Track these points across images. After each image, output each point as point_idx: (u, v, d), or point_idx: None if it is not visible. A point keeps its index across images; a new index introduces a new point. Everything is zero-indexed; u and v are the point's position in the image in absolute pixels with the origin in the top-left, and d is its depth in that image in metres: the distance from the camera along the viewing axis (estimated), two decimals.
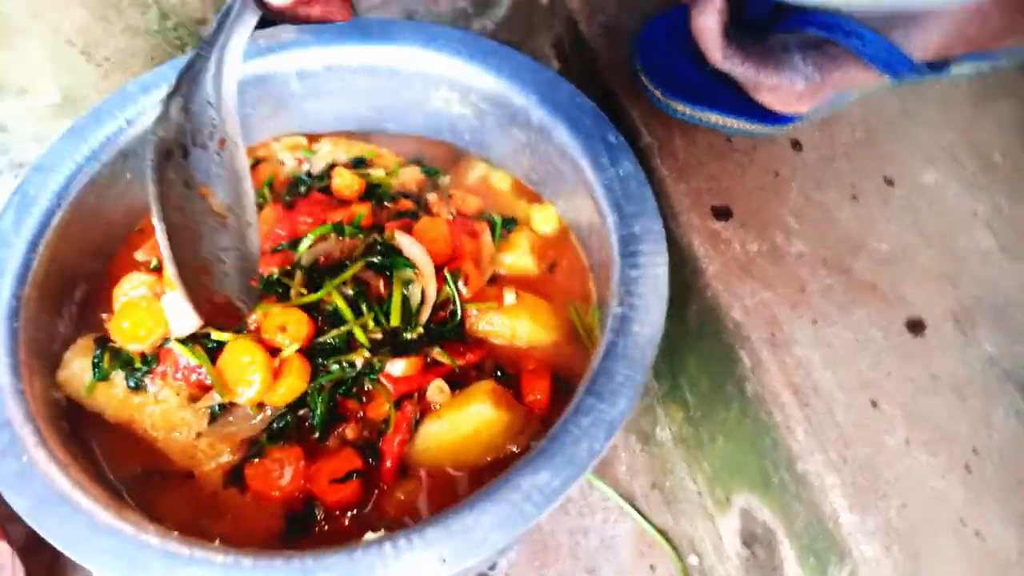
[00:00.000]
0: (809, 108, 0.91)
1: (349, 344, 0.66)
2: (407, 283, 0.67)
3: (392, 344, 0.67)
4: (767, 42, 0.89)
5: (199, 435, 0.65)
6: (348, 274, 0.67)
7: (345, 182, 0.75)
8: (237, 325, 0.64)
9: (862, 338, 0.80)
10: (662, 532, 0.94)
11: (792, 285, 0.82)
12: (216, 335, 0.65)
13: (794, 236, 0.86)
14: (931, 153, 0.93)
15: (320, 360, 0.66)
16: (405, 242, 0.70)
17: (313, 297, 0.67)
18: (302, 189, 0.78)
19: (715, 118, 0.91)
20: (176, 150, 0.55)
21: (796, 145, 0.93)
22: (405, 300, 0.66)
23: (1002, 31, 0.94)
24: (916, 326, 0.81)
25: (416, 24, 0.76)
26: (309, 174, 0.80)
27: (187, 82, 0.56)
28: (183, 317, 0.65)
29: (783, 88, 0.89)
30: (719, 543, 0.91)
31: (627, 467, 0.98)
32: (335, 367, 0.65)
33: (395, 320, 0.66)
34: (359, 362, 0.65)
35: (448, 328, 0.69)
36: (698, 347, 0.88)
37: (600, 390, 0.55)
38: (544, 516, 0.50)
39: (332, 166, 0.79)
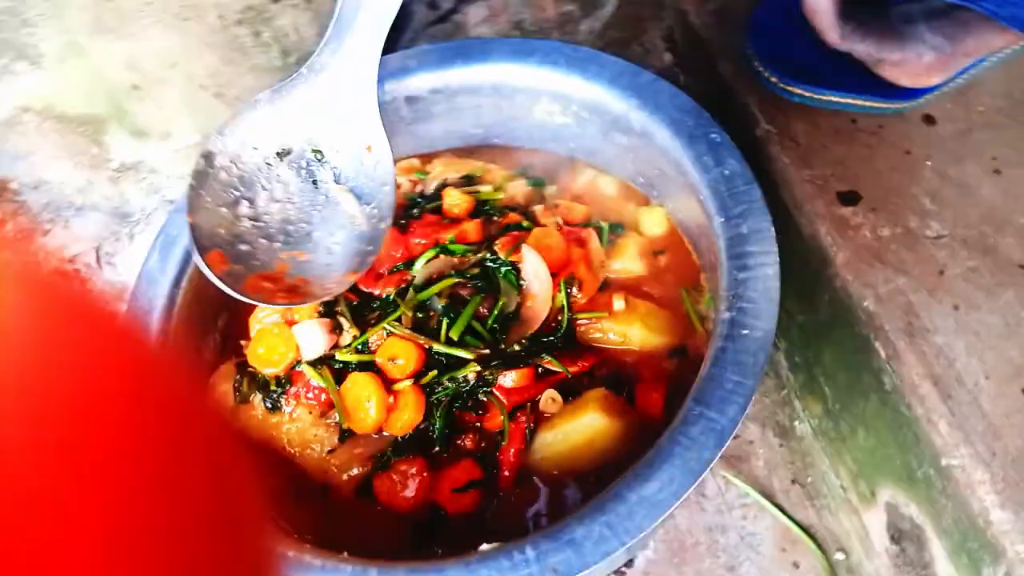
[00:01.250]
0: (941, 80, 0.86)
1: (461, 360, 0.69)
2: (507, 296, 0.69)
3: (502, 356, 0.69)
4: (888, 15, 0.85)
5: (331, 451, 0.69)
6: (443, 285, 0.70)
7: (454, 201, 0.78)
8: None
9: (1012, 321, 0.75)
10: (804, 528, 0.91)
11: (929, 269, 0.78)
12: (341, 356, 0.70)
13: (930, 217, 0.81)
14: None
15: (436, 378, 0.69)
16: (531, 258, 0.71)
17: (423, 295, 0.71)
18: (415, 211, 0.81)
19: (837, 99, 0.87)
20: None
21: (929, 119, 0.87)
22: (506, 316, 0.68)
23: None
24: None
25: (513, 41, 0.78)
26: (422, 195, 0.83)
27: None
28: (313, 342, 0.70)
29: (909, 62, 0.84)
30: (866, 538, 0.88)
31: (765, 462, 0.96)
32: (450, 384, 0.68)
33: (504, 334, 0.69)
34: (471, 376, 0.68)
35: (557, 337, 0.70)
36: (832, 338, 0.85)
37: (708, 398, 0.54)
38: (653, 527, 0.51)
39: (444, 186, 0.82)
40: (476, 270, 0.72)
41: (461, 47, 0.80)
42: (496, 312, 0.70)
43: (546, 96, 0.79)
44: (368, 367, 0.69)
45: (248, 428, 0.71)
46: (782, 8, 0.90)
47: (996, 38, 0.84)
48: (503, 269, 0.72)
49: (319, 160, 0.76)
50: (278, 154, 0.74)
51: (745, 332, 0.56)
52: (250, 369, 0.73)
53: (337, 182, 0.76)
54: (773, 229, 0.62)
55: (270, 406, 0.71)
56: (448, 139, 0.88)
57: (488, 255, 0.72)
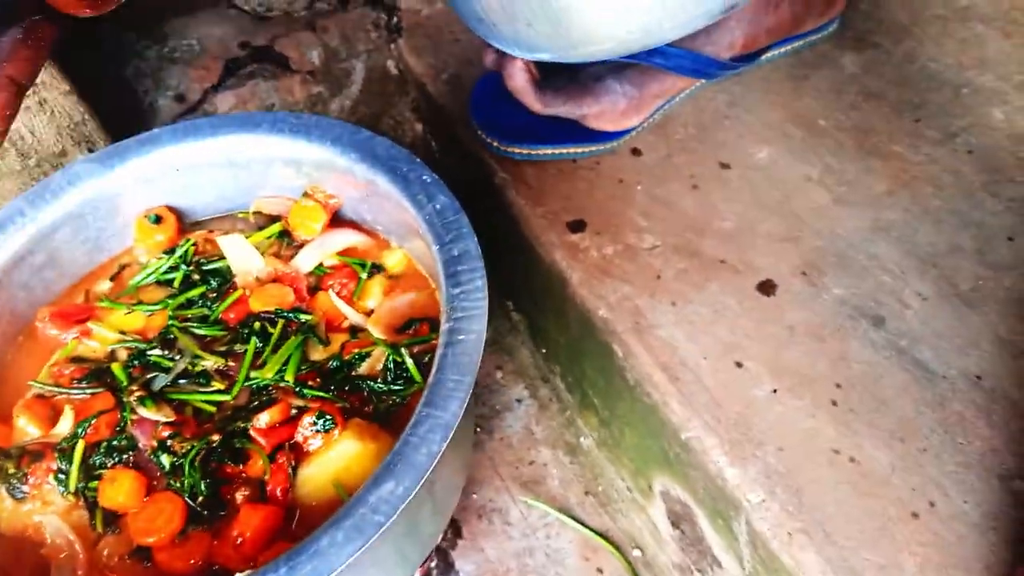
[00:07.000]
0: (639, 120, 0.99)
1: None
2: None
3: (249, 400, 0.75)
4: (579, 77, 0.98)
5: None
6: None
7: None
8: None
9: (719, 308, 0.86)
10: (602, 534, 0.98)
11: (649, 276, 0.89)
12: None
13: (645, 232, 0.93)
14: (761, 133, 1.01)
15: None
16: None
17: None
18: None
19: (553, 151, 0.98)
20: None
21: (635, 152, 1.01)
22: None
23: (800, 17, 1.03)
24: (767, 287, 0.88)
25: (240, 115, 0.84)
26: None
27: None
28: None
29: (607, 112, 0.96)
30: (655, 531, 0.96)
31: (559, 481, 1.03)
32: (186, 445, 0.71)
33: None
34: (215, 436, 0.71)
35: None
36: (586, 351, 0.95)
37: (434, 399, 0.61)
38: (391, 522, 0.56)
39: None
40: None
41: (191, 126, 0.85)
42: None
43: (279, 161, 0.86)
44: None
45: None
46: (494, 84, 1.01)
47: (676, 82, 0.99)
48: None
49: None
50: None
51: (461, 337, 0.64)
52: None
53: None
54: (479, 249, 0.70)
55: (19, 496, 0.70)
56: (192, 215, 0.92)
57: None
